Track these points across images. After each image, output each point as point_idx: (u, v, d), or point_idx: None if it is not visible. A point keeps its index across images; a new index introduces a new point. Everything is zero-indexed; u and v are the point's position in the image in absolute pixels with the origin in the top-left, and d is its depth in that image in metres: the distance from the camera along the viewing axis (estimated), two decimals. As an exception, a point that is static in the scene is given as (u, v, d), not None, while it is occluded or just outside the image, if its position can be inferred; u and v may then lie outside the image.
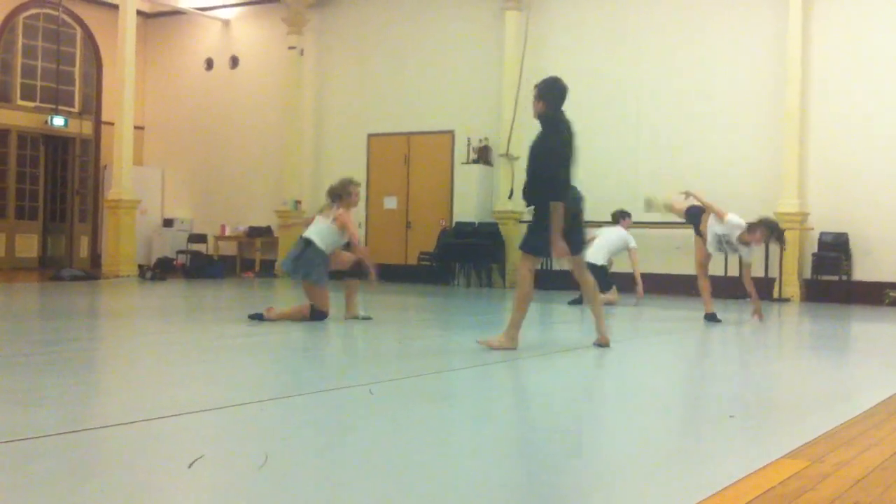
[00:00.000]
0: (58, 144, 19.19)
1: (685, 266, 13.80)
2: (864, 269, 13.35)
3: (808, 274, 13.68)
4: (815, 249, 13.60)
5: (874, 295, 13.13)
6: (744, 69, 14.19)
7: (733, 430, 4.07)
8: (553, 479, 3.15)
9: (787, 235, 13.40)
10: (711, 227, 9.52)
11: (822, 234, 13.56)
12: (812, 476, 3.10)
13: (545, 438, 3.84)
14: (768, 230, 9.46)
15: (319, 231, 8.49)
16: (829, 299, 13.31)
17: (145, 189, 18.30)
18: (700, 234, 9.76)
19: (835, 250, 13.42)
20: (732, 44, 14.30)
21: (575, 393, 5.22)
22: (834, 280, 13.46)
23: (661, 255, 14.38)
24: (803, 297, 13.55)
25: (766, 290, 13.62)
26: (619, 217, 12.18)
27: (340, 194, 8.63)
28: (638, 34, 14.96)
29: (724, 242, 9.55)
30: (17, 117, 18.33)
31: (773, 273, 13.64)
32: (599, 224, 12.25)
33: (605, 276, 11.47)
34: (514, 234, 15.69)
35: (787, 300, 13.34)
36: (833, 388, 5.68)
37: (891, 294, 13.06)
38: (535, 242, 6.67)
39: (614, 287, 11.77)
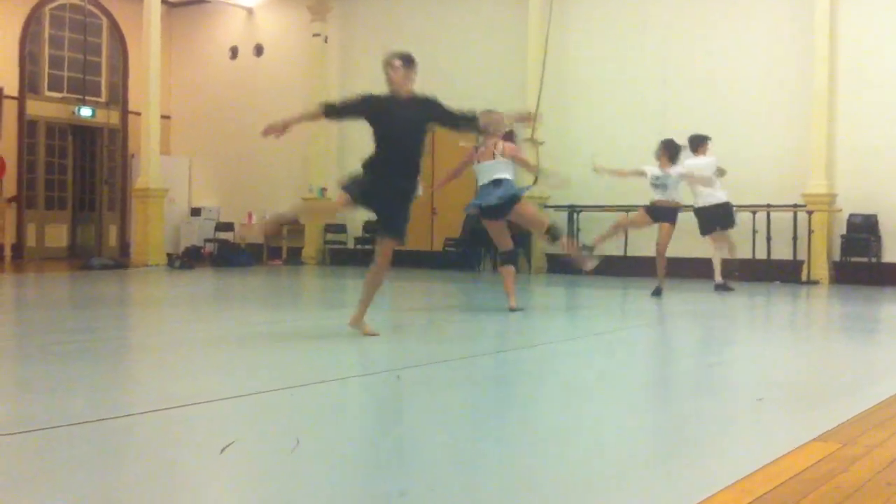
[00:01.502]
0: (85, 134, 19.33)
1: (701, 249, 13.78)
2: (894, 251, 13.23)
3: (836, 256, 13.58)
4: (844, 231, 13.49)
5: (904, 277, 13.01)
6: (771, 50, 14.07)
7: (762, 413, 4.05)
8: (570, 464, 3.15)
9: (815, 218, 13.33)
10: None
11: (850, 215, 13.44)
12: (843, 458, 3.09)
13: (572, 423, 3.84)
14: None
15: (495, 168, 8.16)
16: (858, 281, 13.21)
17: (172, 178, 18.41)
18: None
19: (864, 232, 13.30)
20: (759, 24, 14.17)
21: (600, 377, 5.21)
22: (863, 262, 13.34)
23: (681, 239, 14.30)
24: (832, 279, 13.45)
25: (794, 272, 13.55)
26: (696, 145, 11.19)
27: (487, 127, 8.01)
28: (663, 17, 14.85)
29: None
30: (46, 108, 18.47)
31: (802, 256, 13.55)
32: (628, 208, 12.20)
33: (729, 211, 11.21)
34: (540, 219, 15.66)
35: (815, 283, 13.25)
36: (864, 370, 5.64)
37: (921, 276, 12.94)
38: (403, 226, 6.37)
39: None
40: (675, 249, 14.33)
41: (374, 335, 6.20)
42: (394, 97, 6.28)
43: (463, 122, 6.66)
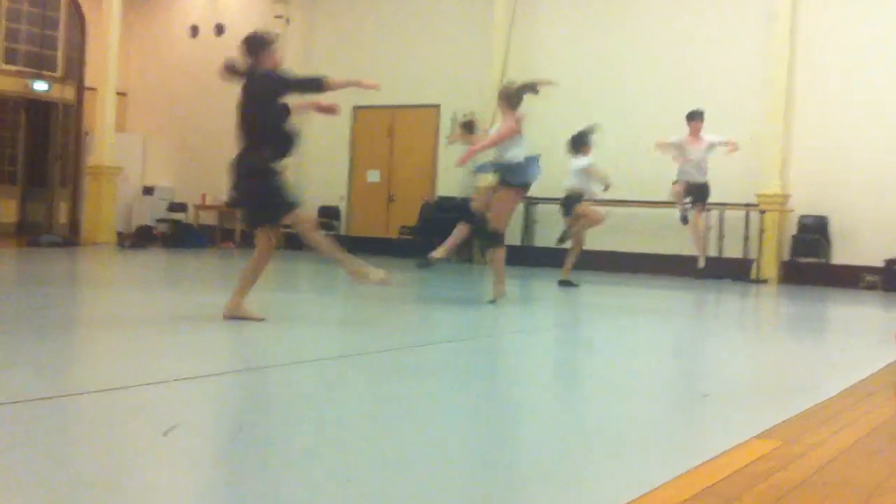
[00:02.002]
0: (39, 109, 19.02)
1: (669, 245, 13.90)
2: (843, 253, 13.42)
3: (786, 256, 13.75)
4: (795, 231, 13.66)
5: (851, 278, 13.20)
6: (730, 52, 14.18)
7: (707, 409, 4.09)
8: (519, 457, 3.16)
9: (767, 218, 13.48)
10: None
11: (802, 216, 13.62)
12: (783, 457, 3.12)
13: (515, 417, 3.85)
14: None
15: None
16: (806, 282, 13.39)
17: (126, 155, 18.15)
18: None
19: (814, 233, 13.48)
20: (720, 26, 14.28)
21: (548, 371, 5.23)
22: (812, 262, 13.53)
23: (644, 235, 14.40)
24: (781, 279, 13.62)
25: (744, 270, 13.70)
26: (689, 120, 11.58)
27: (510, 96, 8.15)
28: (625, 15, 14.91)
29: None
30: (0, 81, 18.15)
31: (752, 254, 13.70)
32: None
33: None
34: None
35: (764, 281, 13.41)
36: (809, 369, 5.72)
37: (867, 278, 13.14)
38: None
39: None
40: (646, 246, 14.45)
41: (260, 320, 5.97)
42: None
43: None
